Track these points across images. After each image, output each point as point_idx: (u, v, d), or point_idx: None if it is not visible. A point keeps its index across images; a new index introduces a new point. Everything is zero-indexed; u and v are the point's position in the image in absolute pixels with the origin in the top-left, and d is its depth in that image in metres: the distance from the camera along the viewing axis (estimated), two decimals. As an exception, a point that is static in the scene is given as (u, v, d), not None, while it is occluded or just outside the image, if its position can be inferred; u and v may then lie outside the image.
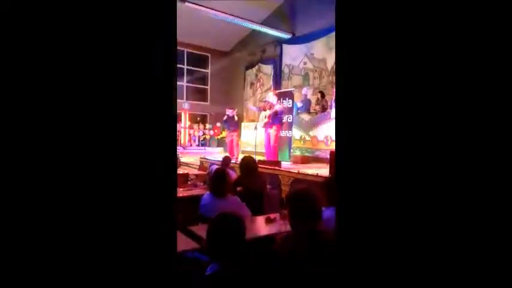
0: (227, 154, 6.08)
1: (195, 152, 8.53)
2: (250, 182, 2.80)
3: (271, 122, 5.44)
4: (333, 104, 5.42)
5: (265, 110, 5.74)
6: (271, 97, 5.69)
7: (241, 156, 5.93)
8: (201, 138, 9.85)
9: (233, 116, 6.69)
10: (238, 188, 2.79)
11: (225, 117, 6.71)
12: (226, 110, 6.77)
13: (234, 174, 3.84)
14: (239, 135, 6.97)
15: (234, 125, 6.71)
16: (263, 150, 6.08)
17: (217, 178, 2.14)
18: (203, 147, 8.92)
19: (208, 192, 2.21)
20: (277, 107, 5.47)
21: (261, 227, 2.06)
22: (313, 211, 1.29)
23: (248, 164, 2.90)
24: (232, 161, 4.95)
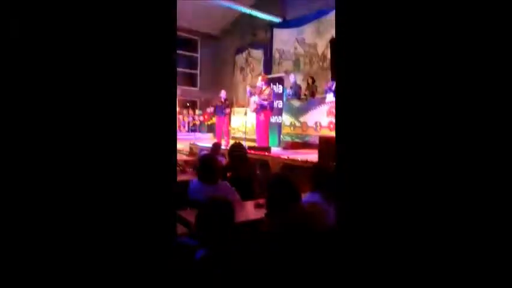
0: (216, 140, 6.06)
1: (184, 138, 8.46)
2: (239, 168, 2.82)
3: (260, 107, 5.42)
4: (328, 89, 5.41)
5: (255, 95, 5.71)
6: (260, 82, 5.65)
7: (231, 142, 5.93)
8: (191, 124, 9.77)
9: (225, 100, 6.52)
10: (228, 174, 2.81)
11: (219, 102, 6.53)
12: (221, 92, 6.56)
13: (224, 160, 3.85)
14: (229, 121, 6.85)
15: (225, 109, 6.53)
16: (253, 136, 6.08)
17: (204, 165, 2.14)
18: (193, 133, 8.86)
19: (196, 179, 2.22)
20: (267, 92, 5.43)
21: (251, 211, 2.09)
22: (291, 195, 1.35)
23: (237, 150, 2.91)
24: (222, 147, 4.95)
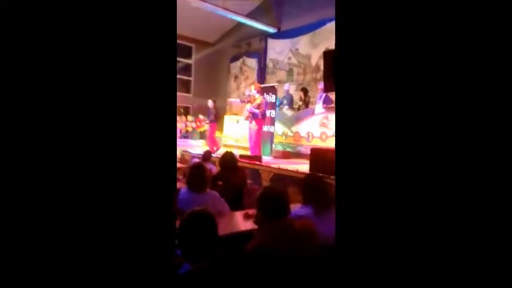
0: (208, 148, 6.02)
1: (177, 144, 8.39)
2: (230, 177, 2.79)
3: (252, 116, 5.41)
4: (317, 101, 5.47)
5: (247, 103, 5.71)
6: (253, 91, 5.66)
7: (221, 150, 5.90)
8: (183, 131, 9.70)
9: (212, 107, 6.63)
10: (219, 183, 2.77)
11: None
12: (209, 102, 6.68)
13: (214, 169, 3.81)
14: (216, 128, 6.85)
15: (212, 116, 6.64)
16: (245, 144, 6.06)
17: (193, 173, 2.11)
18: (185, 140, 8.79)
19: (185, 187, 2.17)
20: (259, 101, 5.44)
21: (240, 222, 2.06)
22: (280, 209, 1.36)
23: (228, 159, 2.88)
24: (213, 155, 4.91)
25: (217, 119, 6.71)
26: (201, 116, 9.24)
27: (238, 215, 2.17)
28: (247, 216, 2.10)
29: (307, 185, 1.82)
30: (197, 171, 2.12)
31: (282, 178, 4.08)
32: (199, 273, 0.99)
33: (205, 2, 7.21)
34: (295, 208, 1.79)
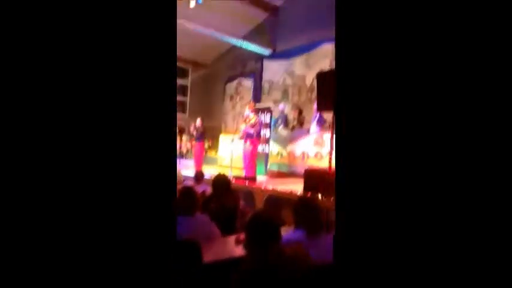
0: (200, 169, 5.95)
1: (171, 164, 8.30)
2: (222, 199, 2.73)
3: (247, 136, 5.40)
4: (312, 120, 5.49)
5: (243, 123, 5.72)
6: (247, 110, 5.69)
7: (208, 168, 5.85)
8: (178, 151, 9.64)
9: (199, 126, 6.71)
10: (211, 205, 2.70)
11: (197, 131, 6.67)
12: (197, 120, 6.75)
13: (208, 189, 3.73)
14: (204, 147, 6.95)
15: (198, 134, 6.73)
16: (240, 164, 6.01)
17: (181, 197, 2.06)
18: (179, 160, 8.72)
19: (174, 211, 2.11)
20: (253, 121, 5.44)
21: (231, 247, 1.98)
22: (272, 234, 1.29)
23: (220, 181, 2.83)
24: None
25: (204, 137, 6.79)
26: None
27: (230, 240, 2.09)
28: (238, 241, 2.02)
29: (299, 208, 1.77)
30: (185, 194, 2.07)
31: (276, 199, 4.01)
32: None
33: (201, 26, 7.38)
34: (288, 231, 1.73)
